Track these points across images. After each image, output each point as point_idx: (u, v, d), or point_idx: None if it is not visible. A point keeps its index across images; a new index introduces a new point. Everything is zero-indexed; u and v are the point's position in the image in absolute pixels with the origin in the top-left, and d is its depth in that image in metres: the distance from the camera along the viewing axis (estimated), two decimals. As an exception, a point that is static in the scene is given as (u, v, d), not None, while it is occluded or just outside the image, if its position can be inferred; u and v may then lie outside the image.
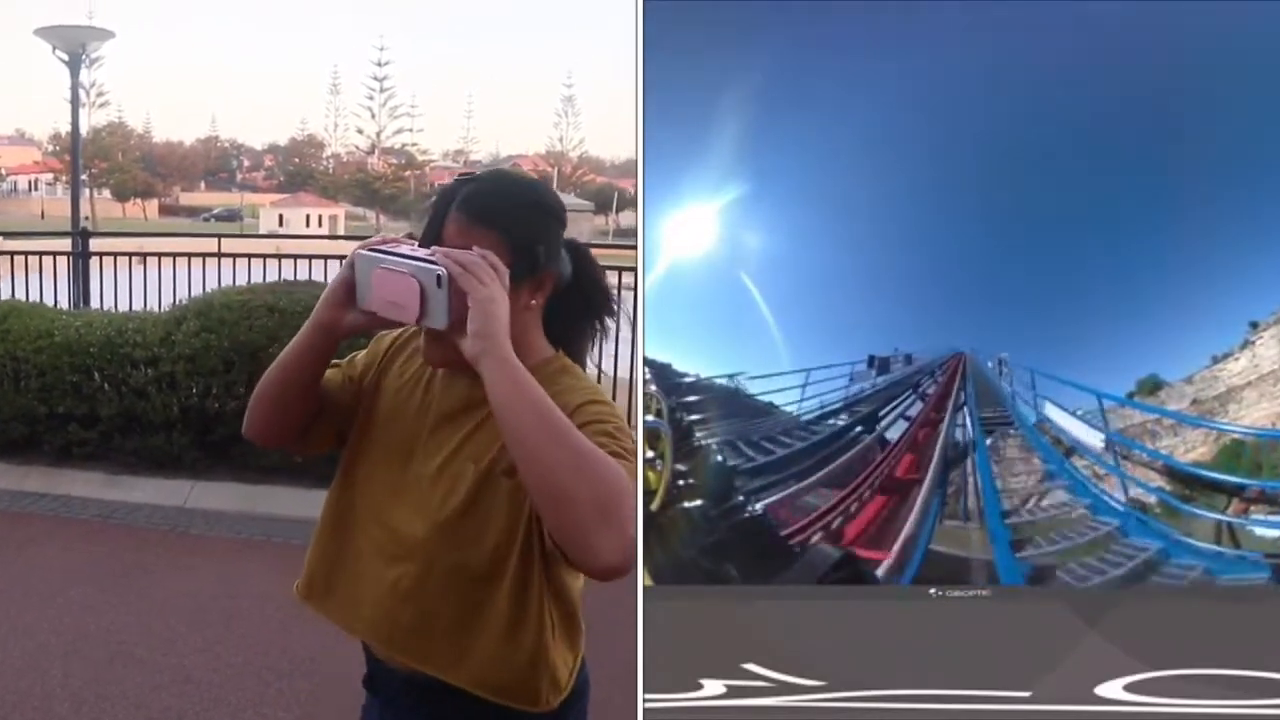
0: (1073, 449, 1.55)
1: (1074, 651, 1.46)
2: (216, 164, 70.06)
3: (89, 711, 3.04)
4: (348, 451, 1.47)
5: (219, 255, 7.76)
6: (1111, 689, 1.46)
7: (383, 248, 1.30)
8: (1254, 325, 1.45)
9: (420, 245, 1.31)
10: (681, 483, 1.53)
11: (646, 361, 1.47)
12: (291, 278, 6.63)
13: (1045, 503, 1.55)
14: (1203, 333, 1.46)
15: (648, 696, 1.41)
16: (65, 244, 7.84)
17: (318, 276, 6.56)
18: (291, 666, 3.33)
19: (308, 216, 52.74)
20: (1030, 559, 1.52)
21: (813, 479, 1.58)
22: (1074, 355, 1.50)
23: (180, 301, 5.72)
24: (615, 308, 1.48)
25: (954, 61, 1.51)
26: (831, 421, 1.63)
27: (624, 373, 3.85)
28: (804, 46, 1.52)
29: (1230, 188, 1.46)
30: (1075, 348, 1.50)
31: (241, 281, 6.10)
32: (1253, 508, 1.45)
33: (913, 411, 1.67)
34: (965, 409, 1.63)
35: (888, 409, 1.65)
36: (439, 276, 1.24)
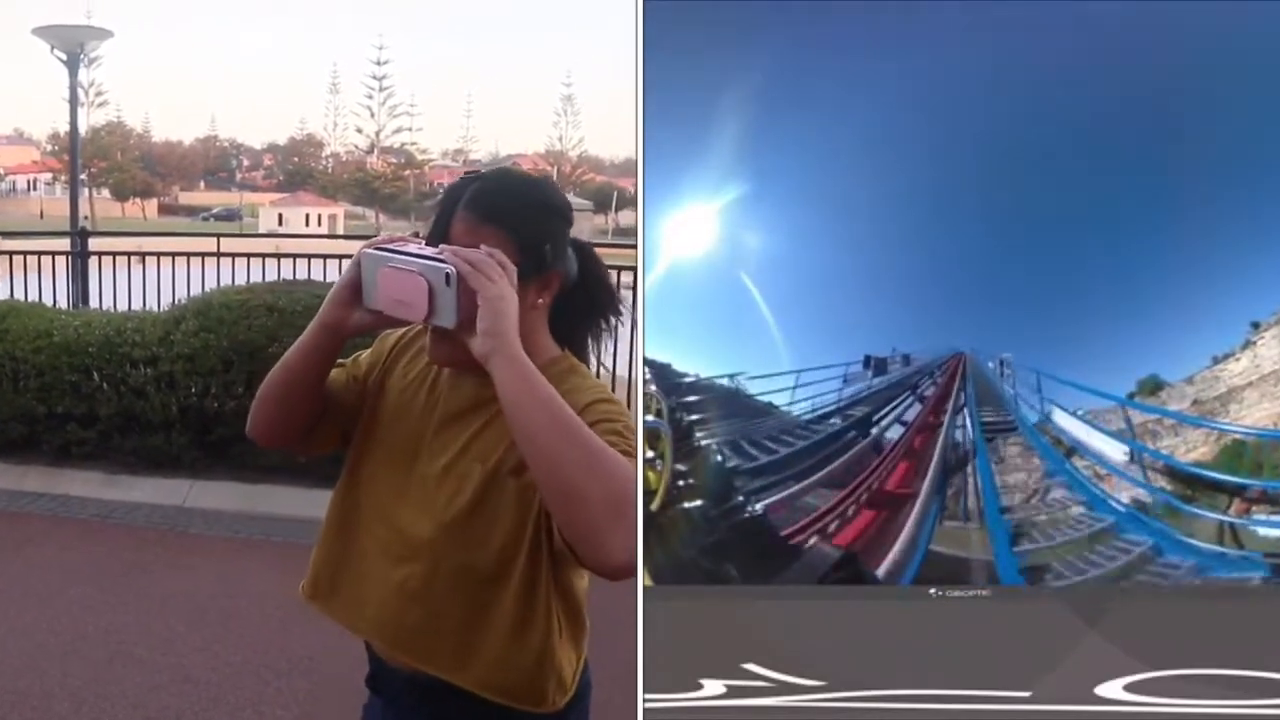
0: (1073, 449, 1.55)
1: (1074, 651, 1.46)
2: (215, 163, 70.06)
3: (88, 711, 3.04)
4: (352, 451, 1.47)
5: (218, 255, 7.77)
6: (1111, 689, 1.45)
7: (389, 246, 1.29)
8: (1255, 325, 1.45)
9: (427, 244, 1.31)
10: (681, 483, 1.53)
11: (646, 361, 1.47)
12: (291, 277, 6.65)
13: (1045, 499, 1.55)
14: (1203, 333, 1.46)
15: (648, 696, 1.40)
16: (64, 244, 7.86)
17: (317, 276, 6.57)
18: (290, 666, 3.33)
19: (307, 216, 52.80)
20: (1025, 553, 1.52)
21: (812, 479, 1.58)
22: (1074, 355, 1.50)
23: (179, 301, 5.74)
24: (620, 308, 1.48)
25: (954, 61, 1.51)
26: (832, 421, 1.63)
27: (623, 370, 3.86)
28: (804, 46, 1.51)
29: (1231, 188, 1.45)
30: (1075, 348, 1.50)
31: (241, 281, 6.12)
32: (1254, 508, 1.45)
33: (913, 412, 1.67)
34: (965, 410, 1.63)
35: (887, 409, 1.65)
36: (448, 275, 1.23)
